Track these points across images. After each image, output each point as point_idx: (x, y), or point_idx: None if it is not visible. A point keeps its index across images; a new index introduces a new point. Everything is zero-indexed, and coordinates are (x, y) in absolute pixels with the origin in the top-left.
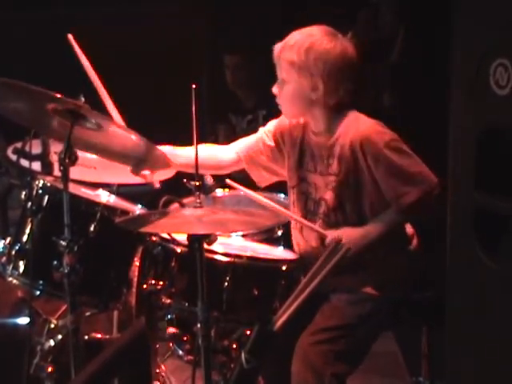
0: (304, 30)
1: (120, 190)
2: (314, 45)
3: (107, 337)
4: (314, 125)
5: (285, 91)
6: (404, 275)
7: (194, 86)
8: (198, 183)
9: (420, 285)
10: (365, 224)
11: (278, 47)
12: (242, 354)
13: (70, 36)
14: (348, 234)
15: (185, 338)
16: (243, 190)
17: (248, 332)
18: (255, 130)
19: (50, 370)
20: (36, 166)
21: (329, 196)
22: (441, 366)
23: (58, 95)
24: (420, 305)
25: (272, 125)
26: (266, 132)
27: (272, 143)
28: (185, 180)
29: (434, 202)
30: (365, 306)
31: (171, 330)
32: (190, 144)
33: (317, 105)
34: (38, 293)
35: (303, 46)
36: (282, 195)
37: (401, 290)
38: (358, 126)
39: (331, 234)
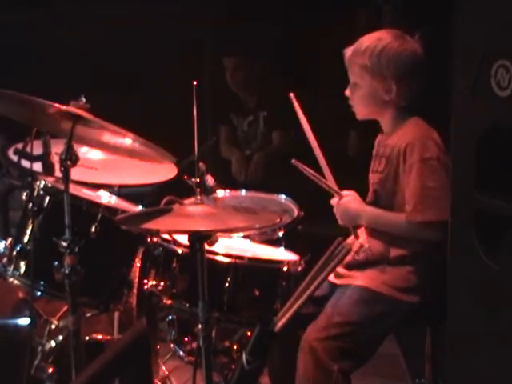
0: (373, 35)
1: (121, 191)
2: (385, 48)
3: (108, 338)
4: (383, 125)
5: (358, 94)
6: (420, 282)
7: (195, 83)
8: (198, 180)
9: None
10: None
11: (348, 52)
12: (243, 355)
13: (291, 95)
14: (346, 204)
15: (186, 339)
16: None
17: (249, 333)
18: (256, 131)
19: (50, 370)
20: (37, 166)
21: (370, 192)
22: (443, 367)
23: (57, 105)
24: (422, 306)
25: None
26: None
27: None
28: (186, 177)
29: (436, 235)
30: (376, 307)
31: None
32: (191, 143)
33: (389, 106)
34: (38, 293)
35: (375, 50)
36: (283, 196)
37: (416, 296)
38: (412, 132)
39: (341, 195)
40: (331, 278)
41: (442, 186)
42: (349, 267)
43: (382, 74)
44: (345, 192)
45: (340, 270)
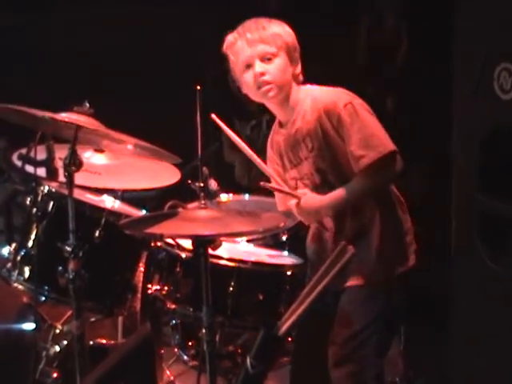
0: (258, 18)
1: (125, 196)
2: (284, 25)
3: (112, 342)
4: (281, 110)
5: (275, 64)
6: (402, 252)
7: (198, 88)
8: (201, 184)
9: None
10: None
11: (249, 28)
12: (248, 359)
13: (213, 116)
14: (304, 206)
15: (190, 344)
16: (227, 130)
17: (253, 337)
18: (259, 135)
19: (55, 375)
20: (41, 171)
21: (312, 175)
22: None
23: (58, 117)
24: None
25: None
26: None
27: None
28: (189, 181)
29: (393, 168)
30: (376, 300)
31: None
32: (195, 148)
33: (295, 81)
34: (43, 298)
35: (278, 24)
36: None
37: (404, 266)
38: (318, 95)
39: (299, 197)
40: None
41: (371, 123)
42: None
43: (293, 46)
44: (299, 191)
45: None
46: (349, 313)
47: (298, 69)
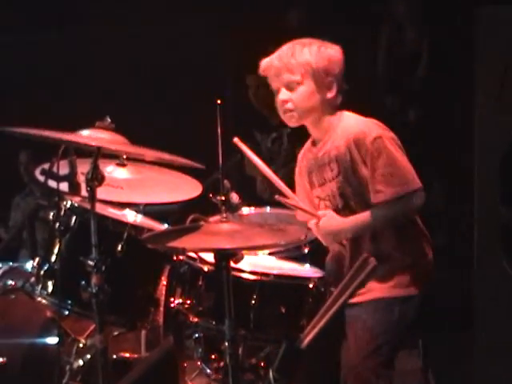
0: (299, 40)
1: (147, 210)
2: (321, 47)
3: (135, 356)
4: (315, 130)
5: (299, 93)
6: (422, 271)
7: (218, 102)
8: (223, 198)
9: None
10: None
11: (279, 56)
12: (270, 373)
13: (236, 140)
14: (324, 224)
15: (212, 357)
16: (248, 153)
17: (275, 350)
18: (280, 148)
19: None
20: (63, 186)
21: (334, 197)
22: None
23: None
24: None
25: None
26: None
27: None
28: (211, 195)
29: (410, 206)
30: (393, 309)
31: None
32: (216, 161)
33: (325, 105)
34: (66, 312)
35: (312, 49)
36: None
37: (418, 288)
38: (350, 124)
39: (319, 217)
40: None
41: (395, 161)
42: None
43: (325, 72)
44: (320, 212)
45: None
46: (365, 321)
47: (331, 93)
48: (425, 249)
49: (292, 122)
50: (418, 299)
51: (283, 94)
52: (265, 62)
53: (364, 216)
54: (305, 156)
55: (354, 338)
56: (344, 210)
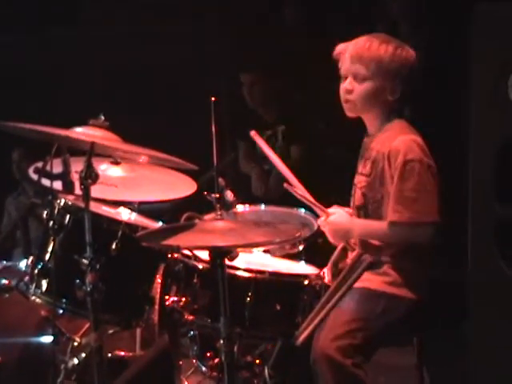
0: (380, 35)
1: (141, 208)
2: (398, 49)
3: (130, 354)
4: (369, 126)
5: (362, 88)
6: (418, 280)
7: (213, 99)
8: (217, 195)
9: None
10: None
11: (355, 45)
12: (265, 370)
13: (252, 133)
14: (334, 222)
15: (208, 355)
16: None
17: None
18: (274, 146)
19: None
20: (57, 185)
21: (357, 195)
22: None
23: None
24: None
25: None
26: None
27: None
28: (205, 192)
29: (420, 238)
30: (379, 302)
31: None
32: (210, 159)
33: (385, 105)
34: (61, 311)
35: (389, 49)
36: (303, 210)
37: (417, 291)
38: (396, 136)
39: (328, 214)
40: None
41: (423, 188)
42: None
43: (394, 74)
44: (330, 210)
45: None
46: (351, 303)
47: (393, 96)
48: (427, 258)
49: (350, 112)
50: (411, 303)
51: (349, 84)
52: (340, 46)
53: (376, 226)
54: (363, 143)
55: (332, 318)
56: (360, 209)
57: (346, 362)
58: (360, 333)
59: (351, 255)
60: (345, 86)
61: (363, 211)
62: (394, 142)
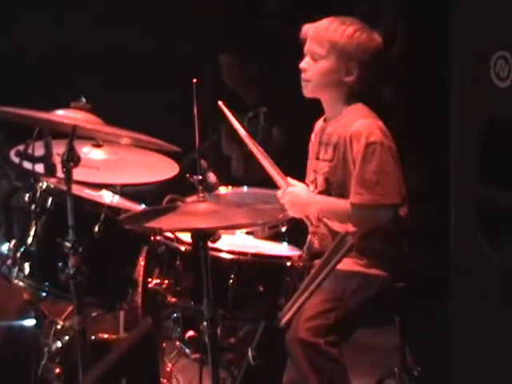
0: (343, 18)
1: (123, 191)
2: (357, 31)
3: (114, 337)
4: (327, 109)
5: (318, 66)
6: (390, 254)
7: (194, 81)
8: (200, 177)
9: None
10: None
11: (316, 25)
12: (249, 351)
13: (220, 103)
14: (294, 193)
15: (190, 333)
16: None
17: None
18: (256, 128)
19: (57, 371)
20: (39, 168)
21: (319, 181)
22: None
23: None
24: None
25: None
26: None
27: None
28: (187, 175)
29: (385, 219)
30: (351, 281)
31: (190, 333)
32: (193, 141)
33: (342, 87)
34: (44, 294)
35: (347, 30)
36: None
37: (387, 269)
38: (356, 119)
39: (286, 188)
40: None
41: (384, 171)
42: (311, 257)
43: (348, 55)
44: (293, 182)
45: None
46: (324, 284)
47: (349, 78)
48: (399, 238)
49: (305, 91)
50: (384, 281)
51: (304, 63)
52: (305, 27)
53: (337, 204)
54: (316, 127)
55: None
56: (323, 193)
57: (319, 341)
58: (333, 312)
59: (312, 229)
60: (301, 64)
61: (327, 195)
62: (354, 125)
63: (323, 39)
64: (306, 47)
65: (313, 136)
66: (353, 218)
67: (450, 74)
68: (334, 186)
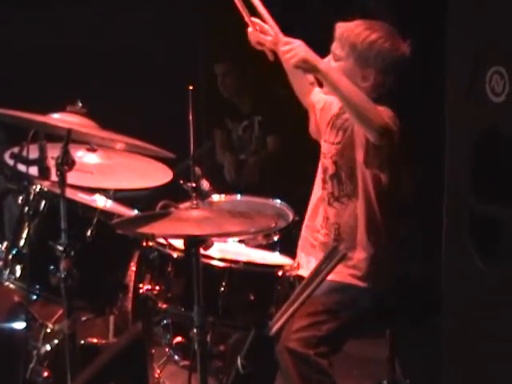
0: (372, 22)
1: (117, 195)
2: (380, 39)
3: (103, 341)
4: (338, 102)
5: (336, 66)
6: (386, 269)
7: (190, 88)
8: (193, 184)
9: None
10: (357, 196)
11: (344, 26)
12: (238, 360)
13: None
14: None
15: (179, 339)
16: None
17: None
18: (251, 136)
19: (46, 374)
20: (33, 170)
21: (328, 163)
22: (408, 367)
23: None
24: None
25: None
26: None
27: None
28: (181, 181)
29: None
30: (345, 293)
31: (178, 339)
32: (187, 148)
33: None
34: (34, 297)
35: (369, 37)
36: (278, 200)
37: (382, 283)
38: None
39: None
40: (302, 271)
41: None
42: None
43: (366, 62)
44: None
45: (309, 259)
46: (317, 295)
47: (364, 84)
48: (393, 255)
49: (323, 90)
50: (377, 294)
51: (327, 61)
52: (336, 25)
53: (347, 82)
54: (335, 103)
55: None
56: (333, 178)
57: (309, 352)
58: (325, 325)
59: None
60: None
61: (336, 179)
62: None
63: (345, 41)
64: (333, 45)
65: (324, 107)
66: (354, 93)
67: (445, 87)
68: (343, 168)
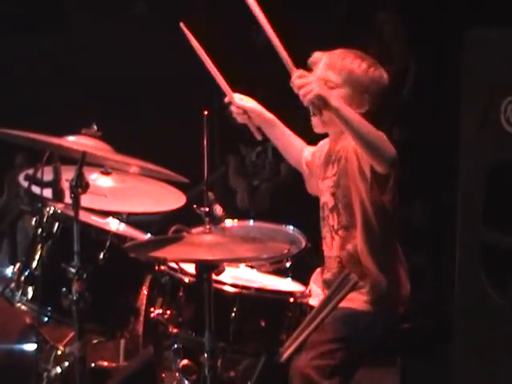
0: (356, 51)
1: (130, 219)
2: (371, 67)
3: (114, 365)
4: (333, 135)
5: (336, 93)
6: (396, 293)
7: (205, 113)
8: (207, 209)
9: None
10: (355, 225)
11: (332, 54)
12: None
13: (182, 24)
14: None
15: (185, 362)
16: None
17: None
18: (264, 162)
19: None
20: (47, 192)
21: (327, 197)
22: None
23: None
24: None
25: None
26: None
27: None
28: (194, 206)
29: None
30: (358, 322)
31: (184, 362)
32: (200, 173)
33: None
34: (45, 319)
35: (362, 64)
36: (291, 227)
37: (393, 307)
38: None
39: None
40: (311, 301)
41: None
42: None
43: (362, 88)
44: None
45: (318, 291)
46: (329, 322)
47: (360, 110)
48: (401, 278)
49: (316, 126)
50: (388, 320)
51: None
52: (315, 55)
53: (357, 116)
54: (325, 146)
55: (313, 336)
56: (333, 210)
57: (323, 382)
58: (339, 353)
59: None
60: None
61: (336, 211)
62: None
63: (341, 68)
64: (318, 74)
65: (316, 158)
66: (364, 125)
67: (460, 118)
68: (339, 198)
